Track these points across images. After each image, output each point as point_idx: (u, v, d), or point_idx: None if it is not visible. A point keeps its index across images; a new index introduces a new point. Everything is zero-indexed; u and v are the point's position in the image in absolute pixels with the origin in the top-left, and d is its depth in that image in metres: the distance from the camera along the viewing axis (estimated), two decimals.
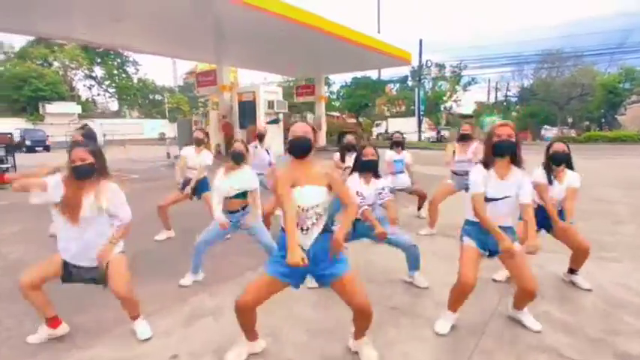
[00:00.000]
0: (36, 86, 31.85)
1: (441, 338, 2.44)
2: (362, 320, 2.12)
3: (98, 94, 44.09)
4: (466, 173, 4.21)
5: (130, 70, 43.45)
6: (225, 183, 3.25)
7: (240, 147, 3.34)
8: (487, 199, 2.39)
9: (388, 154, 5.25)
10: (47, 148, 25.27)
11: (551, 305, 2.85)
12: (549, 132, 35.75)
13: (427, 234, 4.67)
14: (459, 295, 2.45)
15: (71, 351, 2.33)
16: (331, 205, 2.09)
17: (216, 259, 3.76)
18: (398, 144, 5.35)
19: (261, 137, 5.45)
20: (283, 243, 1.98)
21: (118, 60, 41.94)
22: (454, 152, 4.75)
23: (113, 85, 42.88)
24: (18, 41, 37.97)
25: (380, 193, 3.06)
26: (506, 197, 2.38)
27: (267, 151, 5.40)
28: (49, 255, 2.39)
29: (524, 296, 2.44)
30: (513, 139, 2.32)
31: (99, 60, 40.59)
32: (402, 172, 5.28)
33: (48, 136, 26.18)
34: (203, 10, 9.76)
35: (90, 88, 43.04)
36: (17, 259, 4.03)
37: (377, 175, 3.15)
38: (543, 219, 3.03)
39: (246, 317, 2.13)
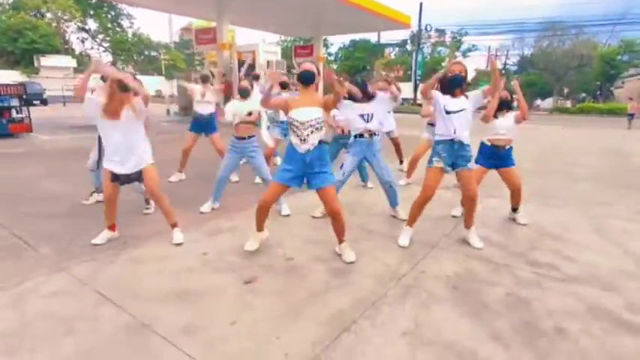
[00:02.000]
0: (30, 38, 31.32)
1: (402, 249, 3.24)
2: (335, 223, 2.95)
3: (92, 48, 43.21)
4: None
5: (125, 23, 42.41)
6: (235, 106, 4.01)
7: (245, 84, 4.11)
8: (447, 112, 3.07)
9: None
10: (44, 102, 25.25)
11: (491, 232, 3.67)
12: (545, 103, 36.23)
13: (404, 184, 5.41)
14: (418, 207, 3.27)
15: (127, 249, 3.11)
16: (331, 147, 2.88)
17: (229, 195, 4.50)
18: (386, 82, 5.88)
19: (256, 77, 6.20)
20: (289, 155, 2.87)
21: (112, 13, 40.79)
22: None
23: (107, 38, 41.98)
24: None
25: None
26: (462, 110, 3.06)
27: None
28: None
29: (469, 203, 3.24)
30: (463, 74, 3.05)
31: (92, 12, 39.50)
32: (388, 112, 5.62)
33: (44, 89, 26.14)
34: None
35: (83, 42, 42.16)
36: (54, 191, 4.75)
37: (371, 98, 3.78)
38: (494, 158, 3.82)
39: (263, 213, 3.00)
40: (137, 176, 3.16)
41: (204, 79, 5.39)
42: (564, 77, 35.80)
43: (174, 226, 3.28)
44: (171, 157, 5.45)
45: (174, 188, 5.03)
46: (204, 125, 5.35)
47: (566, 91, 37.74)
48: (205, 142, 5.48)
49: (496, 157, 3.84)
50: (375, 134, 3.77)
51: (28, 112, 9.57)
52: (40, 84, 26.93)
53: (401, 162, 6.35)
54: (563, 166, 7.25)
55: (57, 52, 33.91)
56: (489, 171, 3.92)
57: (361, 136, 3.75)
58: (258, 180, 5.16)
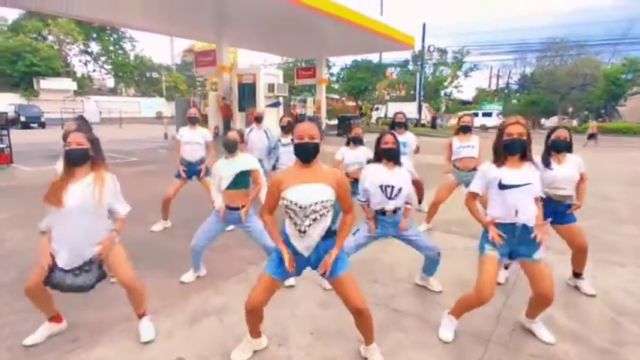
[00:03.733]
0: (30, 61, 31.12)
1: (446, 345, 2.42)
2: (360, 322, 2.13)
3: (94, 70, 43.26)
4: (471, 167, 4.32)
5: (127, 46, 42.57)
6: (223, 168, 3.08)
7: (233, 135, 3.14)
8: (503, 187, 2.31)
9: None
10: (42, 125, 24.92)
11: (556, 310, 2.84)
12: (550, 122, 35.71)
13: (424, 229, 4.63)
14: (470, 306, 2.42)
15: (76, 351, 2.29)
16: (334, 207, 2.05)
17: (217, 252, 3.72)
18: (400, 124, 5.06)
19: (259, 119, 5.30)
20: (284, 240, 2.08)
21: (115, 36, 40.98)
22: (450, 145, 4.58)
23: (109, 61, 42.02)
24: (12, 14, 36.99)
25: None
26: (526, 184, 2.29)
27: (265, 133, 5.16)
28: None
29: (541, 303, 2.41)
30: (524, 138, 2.28)
31: (95, 35, 39.64)
32: (404, 154, 5.08)
33: (43, 112, 25.76)
34: None
35: (86, 64, 42.19)
36: (15, 247, 3.97)
37: (398, 163, 2.91)
38: (551, 212, 2.96)
39: (256, 316, 2.17)
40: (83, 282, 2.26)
41: (192, 121, 4.54)
42: (567, 96, 35.37)
43: (141, 316, 2.46)
44: (157, 194, 4.68)
45: (155, 241, 4.24)
46: (193, 171, 4.56)
47: (570, 109, 37.24)
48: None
49: (550, 210, 3.02)
50: (399, 210, 2.89)
51: (9, 140, 8.86)
52: (39, 107, 26.65)
53: (420, 202, 5.57)
54: (597, 200, 6.43)
55: (58, 74, 33.74)
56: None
57: (382, 213, 2.86)
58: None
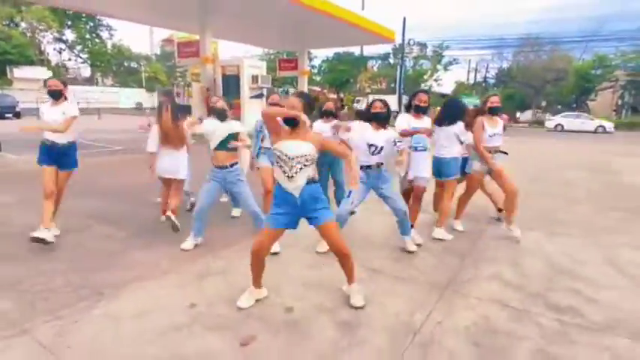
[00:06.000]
0: (3, 49, 30.17)
1: (410, 292, 2.95)
2: (344, 263, 2.66)
3: (69, 59, 42.10)
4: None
5: (104, 34, 41.48)
6: (218, 127, 3.58)
7: (220, 103, 3.65)
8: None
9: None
10: (17, 115, 24.26)
11: (502, 266, 3.45)
12: (524, 115, 37.14)
13: (460, 229, 4.45)
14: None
15: (102, 302, 2.71)
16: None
17: (209, 228, 4.14)
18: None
19: (259, 96, 5.62)
20: (278, 196, 2.57)
21: (91, 24, 39.86)
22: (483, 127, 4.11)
23: (85, 50, 40.93)
24: None
25: (395, 144, 3.36)
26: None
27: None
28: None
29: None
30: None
31: (69, 23, 38.51)
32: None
33: (18, 102, 25.10)
34: None
35: (60, 52, 41.00)
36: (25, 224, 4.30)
37: (385, 126, 3.49)
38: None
39: (259, 263, 2.63)
40: None
41: (221, 116, 3.78)
42: (542, 90, 36.80)
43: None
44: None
45: (152, 214, 4.63)
46: None
47: (544, 103, 38.74)
48: (198, 154, 5.09)
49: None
50: (382, 164, 3.49)
51: None
52: (13, 96, 25.89)
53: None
54: (557, 186, 7.16)
55: (31, 63, 32.81)
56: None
57: (368, 167, 3.47)
58: (236, 213, 4.78)
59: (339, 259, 2.66)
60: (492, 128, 4.10)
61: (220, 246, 3.78)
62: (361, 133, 3.47)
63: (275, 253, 3.57)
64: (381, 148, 3.40)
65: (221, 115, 3.63)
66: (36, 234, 3.51)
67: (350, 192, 3.48)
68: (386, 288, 3.04)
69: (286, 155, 2.46)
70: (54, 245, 3.63)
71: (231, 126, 3.63)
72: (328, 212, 2.61)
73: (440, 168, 4.05)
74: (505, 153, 4.25)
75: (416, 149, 3.85)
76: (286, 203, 2.55)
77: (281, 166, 2.51)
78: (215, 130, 3.57)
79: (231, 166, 3.61)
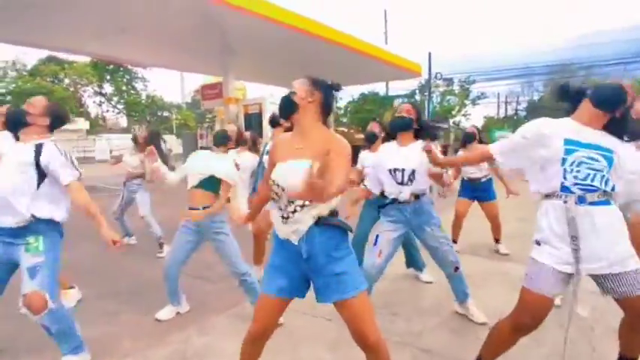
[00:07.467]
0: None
1: None
2: (370, 357, 1.60)
3: (107, 111, 44.52)
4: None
5: (139, 86, 43.94)
6: (192, 162, 2.68)
7: (230, 127, 2.95)
8: None
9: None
10: None
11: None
12: None
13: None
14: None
15: None
16: None
17: (211, 282, 3.19)
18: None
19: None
20: (277, 247, 1.60)
21: (127, 76, 42.47)
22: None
23: (122, 101, 43.27)
24: (31, 60, 38.76)
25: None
26: None
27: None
28: None
29: None
30: None
31: (108, 77, 41.12)
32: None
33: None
34: (195, 17, 9.42)
35: (100, 105, 43.53)
36: None
37: (416, 137, 2.50)
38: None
39: (252, 351, 1.67)
40: None
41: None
42: None
43: None
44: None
45: (137, 267, 3.74)
46: None
47: None
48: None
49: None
50: (421, 195, 2.44)
51: None
52: None
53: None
54: None
55: (72, 114, 34.75)
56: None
57: (399, 203, 2.42)
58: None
59: (366, 355, 1.60)
60: None
61: (211, 310, 2.80)
62: (378, 160, 2.53)
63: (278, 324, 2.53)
64: (413, 172, 2.37)
65: (218, 140, 2.82)
66: None
67: (377, 237, 2.45)
68: None
69: (278, 186, 1.55)
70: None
71: (216, 162, 2.71)
72: (352, 279, 1.55)
73: None
74: None
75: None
76: (285, 251, 1.59)
77: (275, 201, 1.60)
78: (194, 165, 2.76)
79: (204, 208, 2.60)
